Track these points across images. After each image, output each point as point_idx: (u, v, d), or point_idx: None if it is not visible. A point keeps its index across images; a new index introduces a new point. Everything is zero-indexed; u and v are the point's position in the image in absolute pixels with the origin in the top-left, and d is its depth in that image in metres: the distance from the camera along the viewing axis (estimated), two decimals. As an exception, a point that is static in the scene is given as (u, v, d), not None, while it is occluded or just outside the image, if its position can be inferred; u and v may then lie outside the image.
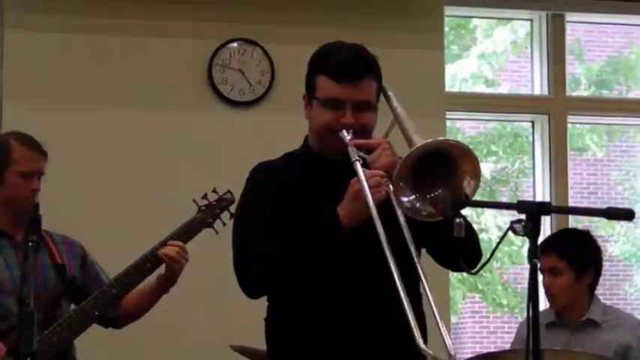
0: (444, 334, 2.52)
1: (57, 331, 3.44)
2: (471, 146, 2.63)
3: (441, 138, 2.65)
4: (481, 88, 7.31)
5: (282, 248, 2.73)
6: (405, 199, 2.60)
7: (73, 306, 3.59)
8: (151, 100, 5.00)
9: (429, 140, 2.59)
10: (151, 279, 3.64)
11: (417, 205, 2.60)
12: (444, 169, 2.61)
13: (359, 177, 2.68)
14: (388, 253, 2.58)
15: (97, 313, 3.51)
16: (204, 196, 3.69)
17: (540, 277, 3.84)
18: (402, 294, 2.53)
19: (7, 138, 3.57)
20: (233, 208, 3.58)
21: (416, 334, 2.50)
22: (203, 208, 3.69)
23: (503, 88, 7.56)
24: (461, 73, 7.09)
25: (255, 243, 2.76)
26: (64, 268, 3.52)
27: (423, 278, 2.63)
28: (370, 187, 2.65)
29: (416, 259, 2.64)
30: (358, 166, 2.70)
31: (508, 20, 6.50)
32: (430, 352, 2.48)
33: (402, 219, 2.65)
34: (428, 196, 2.62)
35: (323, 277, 2.73)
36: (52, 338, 3.41)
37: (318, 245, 2.71)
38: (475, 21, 6.82)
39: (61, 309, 3.53)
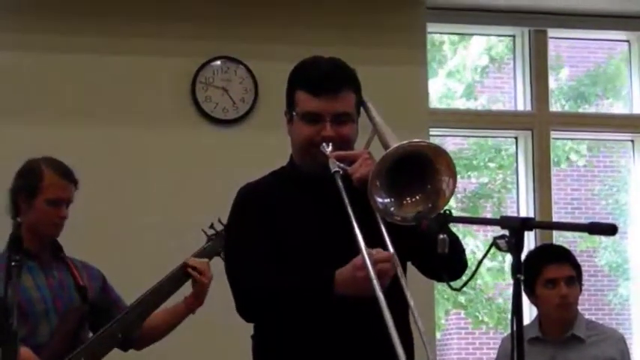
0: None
1: (84, 353, 3.45)
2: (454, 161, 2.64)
3: (415, 139, 2.61)
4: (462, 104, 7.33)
5: (272, 289, 2.70)
6: (379, 199, 2.58)
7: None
8: (134, 118, 4.99)
9: (404, 142, 2.57)
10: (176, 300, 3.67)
11: (392, 209, 2.58)
12: (421, 174, 2.60)
13: (365, 263, 2.54)
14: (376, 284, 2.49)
15: (120, 335, 3.53)
16: (211, 226, 3.73)
17: (526, 291, 3.84)
18: (389, 321, 2.43)
19: (39, 164, 3.55)
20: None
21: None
22: (212, 237, 3.74)
23: (485, 104, 7.58)
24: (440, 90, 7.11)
25: (247, 273, 2.74)
26: (86, 290, 3.55)
27: (410, 304, 2.60)
28: (377, 276, 2.50)
29: (402, 281, 2.60)
30: (364, 250, 2.54)
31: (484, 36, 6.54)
32: None
33: (386, 236, 2.62)
34: (404, 201, 2.61)
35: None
36: None
37: (308, 301, 2.67)
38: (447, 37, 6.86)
39: (84, 331, 3.56)
